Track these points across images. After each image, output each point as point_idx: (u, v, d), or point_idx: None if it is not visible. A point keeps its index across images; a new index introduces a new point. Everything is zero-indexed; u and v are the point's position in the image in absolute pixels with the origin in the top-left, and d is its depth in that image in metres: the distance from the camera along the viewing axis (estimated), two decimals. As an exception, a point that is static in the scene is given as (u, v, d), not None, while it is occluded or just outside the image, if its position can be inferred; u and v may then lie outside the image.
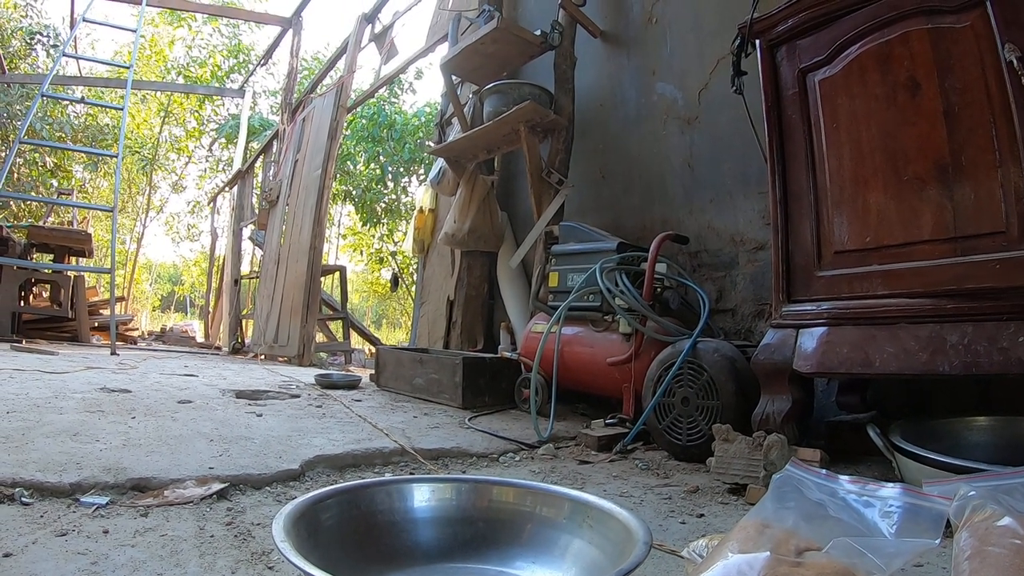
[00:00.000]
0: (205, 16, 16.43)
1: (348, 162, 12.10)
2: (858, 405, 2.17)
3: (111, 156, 8.67)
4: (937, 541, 0.83)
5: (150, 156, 18.86)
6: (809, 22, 2.05)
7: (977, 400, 2.10)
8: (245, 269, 10.70)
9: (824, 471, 1.02)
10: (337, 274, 8.54)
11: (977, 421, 1.93)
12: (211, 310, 13.64)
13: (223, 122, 18.17)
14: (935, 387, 2.25)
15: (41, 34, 14.90)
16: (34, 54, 15.02)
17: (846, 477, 1.00)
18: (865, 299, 1.86)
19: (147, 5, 8.54)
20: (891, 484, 0.94)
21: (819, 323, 1.95)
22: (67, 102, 14.08)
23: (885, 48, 1.85)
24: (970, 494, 0.88)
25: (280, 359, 6.74)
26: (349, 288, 9.00)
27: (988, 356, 1.55)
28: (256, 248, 9.93)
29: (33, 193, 13.89)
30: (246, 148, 12.20)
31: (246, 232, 10.33)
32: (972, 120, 1.66)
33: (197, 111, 19.10)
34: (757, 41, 2.21)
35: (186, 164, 20.87)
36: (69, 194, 13.74)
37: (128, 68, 7.73)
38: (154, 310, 24.77)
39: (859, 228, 1.90)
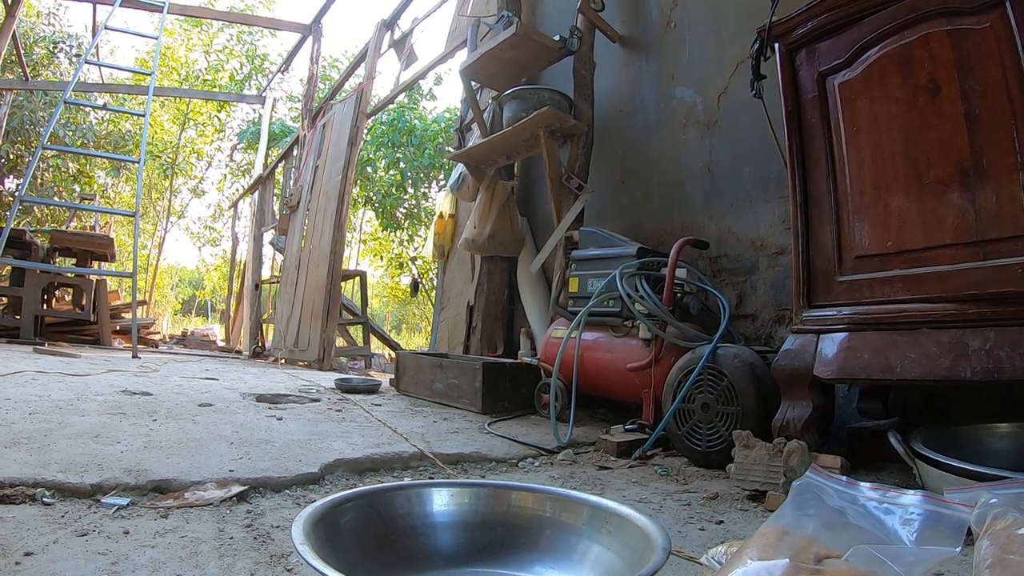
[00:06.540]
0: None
1: (368, 168, 12.15)
2: (879, 411, 2.15)
3: (133, 162, 8.76)
4: (958, 549, 0.83)
5: (170, 160, 19.02)
6: (828, 25, 2.04)
7: (999, 406, 2.08)
8: (266, 274, 10.76)
9: (844, 478, 1.01)
10: (357, 279, 8.55)
11: (999, 428, 1.91)
12: (232, 314, 13.75)
13: (243, 127, 18.33)
14: (957, 393, 2.23)
15: (64, 42, 15.11)
16: (56, 61, 15.24)
17: (867, 484, 0.99)
18: (886, 304, 1.84)
19: (168, 13, 8.61)
20: (912, 491, 0.94)
21: (840, 328, 1.94)
22: (89, 108, 14.24)
23: (905, 50, 1.84)
24: (992, 501, 0.87)
25: (300, 363, 6.77)
26: (369, 293, 9.02)
27: (1011, 362, 1.54)
28: (277, 253, 9.99)
29: (56, 198, 14.06)
30: (267, 154, 12.28)
31: (267, 237, 10.39)
32: (993, 122, 1.64)
33: (216, 115, 19.26)
34: (776, 44, 2.20)
35: (206, 168, 21.05)
36: (91, 199, 13.94)
37: (150, 75, 7.81)
38: (175, 314, 24.93)
39: (880, 232, 1.88)
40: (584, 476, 2.08)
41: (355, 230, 17.06)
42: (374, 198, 12.73)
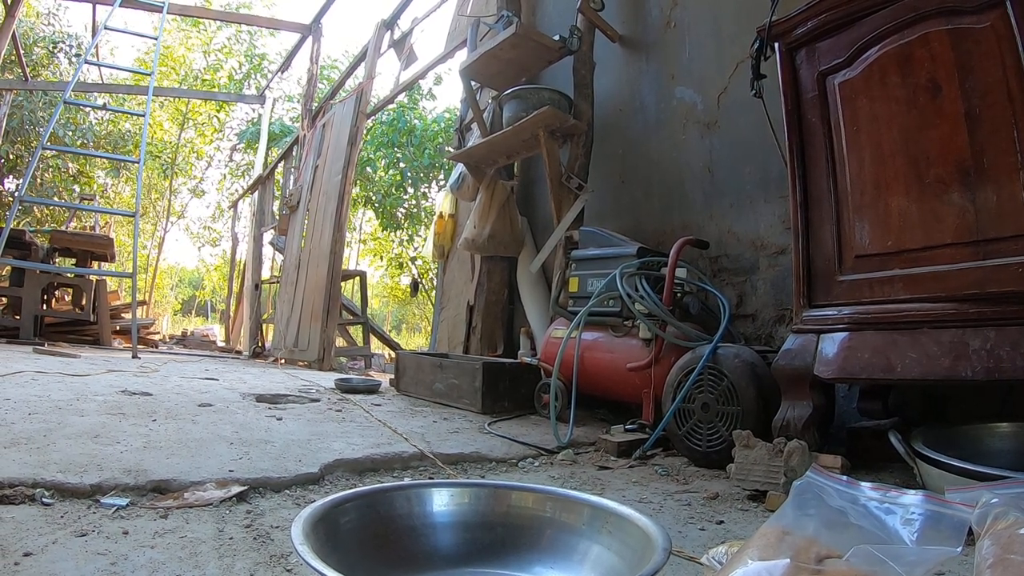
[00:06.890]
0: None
1: (368, 168, 12.14)
2: (879, 411, 2.15)
3: (133, 162, 8.76)
4: (959, 549, 0.82)
5: (170, 161, 19.05)
6: (829, 24, 2.03)
7: (1000, 406, 2.08)
8: (266, 274, 10.77)
9: (845, 478, 1.01)
10: (357, 279, 8.55)
11: (1000, 427, 1.91)
12: (231, 314, 13.75)
13: (242, 127, 18.37)
14: (957, 393, 2.23)
15: (64, 42, 15.12)
16: (56, 61, 15.25)
17: (867, 484, 0.99)
18: (887, 304, 1.84)
19: (167, 13, 8.61)
20: (913, 491, 0.93)
21: (840, 328, 1.93)
22: (89, 108, 14.25)
23: (905, 50, 1.84)
24: (992, 501, 0.87)
25: (300, 363, 6.77)
26: (369, 293, 9.02)
27: (1011, 361, 1.53)
28: (277, 253, 9.99)
29: (56, 198, 14.07)
30: (266, 154, 12.28)
31: (267, 237, 10.39)
32: (994, 122, 1.64)
33: (215, 115, 19.28)
34: (776, 44, 2.20)
35: (206, 168, 21.08)
36: (91, 199, 13.94)
37: (149, 75, 7.81)
38: (175, 314, 24.95)
39: (880, 232, 1.88)
40: (584, 476, 2.08)
41: (355, 230, 17.07)
42: (374, 198, 12.73)
